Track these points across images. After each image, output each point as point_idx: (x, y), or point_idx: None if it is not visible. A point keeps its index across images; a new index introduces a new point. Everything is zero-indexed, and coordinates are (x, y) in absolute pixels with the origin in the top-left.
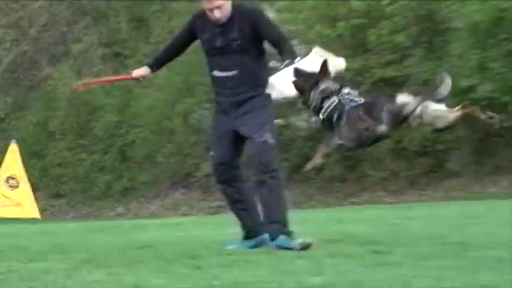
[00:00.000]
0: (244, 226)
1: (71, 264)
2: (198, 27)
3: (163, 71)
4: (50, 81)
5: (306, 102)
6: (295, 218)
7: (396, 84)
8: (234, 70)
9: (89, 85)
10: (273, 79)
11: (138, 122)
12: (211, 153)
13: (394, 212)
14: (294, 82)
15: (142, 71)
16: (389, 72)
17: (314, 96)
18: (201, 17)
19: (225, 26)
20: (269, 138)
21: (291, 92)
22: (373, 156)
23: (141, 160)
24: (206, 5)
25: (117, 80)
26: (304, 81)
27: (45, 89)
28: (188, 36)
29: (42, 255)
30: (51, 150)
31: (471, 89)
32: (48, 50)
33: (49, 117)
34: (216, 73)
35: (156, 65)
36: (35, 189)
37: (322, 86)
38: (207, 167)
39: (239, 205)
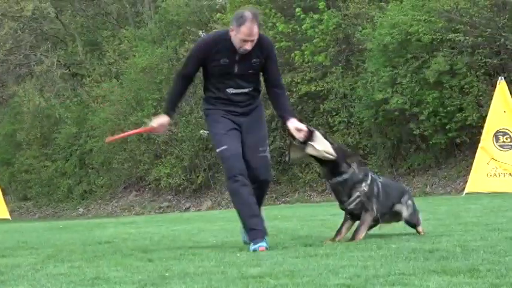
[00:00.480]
0: (255, 218)
1: (38, 259)
2: (213, 53)
3: (116, 89)
4: (16, 98)
5: (336, 169)
6: (237, 216)
7: (319, 98)
8: (247, 88)
9: (116, 139)
10: (318, 134)
11: (94, 133)
12: (224, 147)
13: (321, 209)
14: (337, 148)
15: (162, 119)
16: (313, 87)
17: (353, 170)
18: (217, 44)
19: (244, 54)
20: (268, 153)
21: (333, 153)
22: (301, 161)
23: (98, 166)
24: (246, 37)
25: (140, 132)
26: (344, 152)
27: (12, 105)
28: (198, 66)
29: (12, 251)
30: (19, 158)
31: (384, 101)
32: (14, 71)
33: (16, 130)
34: (231, 90)
35: (173, 109)
36: (4, 193)
37: (356, 164)
38: (156, 172)
39: (253, 198)
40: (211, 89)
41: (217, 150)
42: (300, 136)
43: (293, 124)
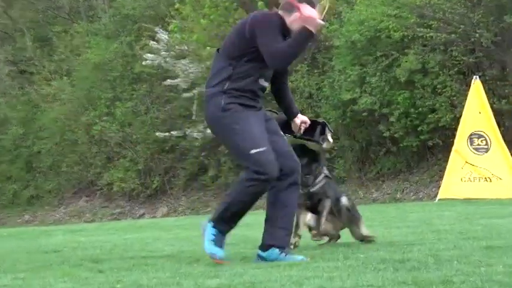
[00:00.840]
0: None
1: None
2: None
3: (67, 86)
4: None
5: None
6: (195, 224)
7: None
8: (269, 82)
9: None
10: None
11: (43, 134)
12: (263, 148)
13: None
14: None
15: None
16: None
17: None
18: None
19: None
20: None
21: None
22: None
23: (46, 170)
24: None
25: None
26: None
27: None
28: None
29: None
30: None
31: (352, 101)
32: None
33: None
34: (262, 82)
35: None
36: None
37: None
38: (108, 176)
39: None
40: (245, 77)
41: (253, 151)
42: (301, 129)
43: (301, 118)
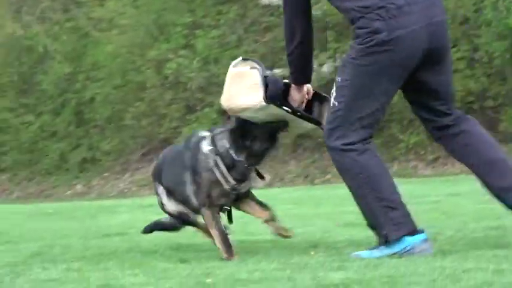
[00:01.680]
0: None
1: (19, 258)
2: None
3: (128, 9)
4: None
5: None
6: (309, 197)
7: None
8: None
9: None
10: None
11: (98, 74)
12: None
13: (431, 187)
14: None
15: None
16: None
17: None
18: None
19: None
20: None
21: None
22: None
23: (104, 123)
24: None
25: None
26: None
27: None
28: None
29: None
30: None
31: None
32: None
33: None
34: None
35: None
36: None
37: None
38: (188, 132)
39: None
40: None
41: None
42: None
43: (308, 87)
